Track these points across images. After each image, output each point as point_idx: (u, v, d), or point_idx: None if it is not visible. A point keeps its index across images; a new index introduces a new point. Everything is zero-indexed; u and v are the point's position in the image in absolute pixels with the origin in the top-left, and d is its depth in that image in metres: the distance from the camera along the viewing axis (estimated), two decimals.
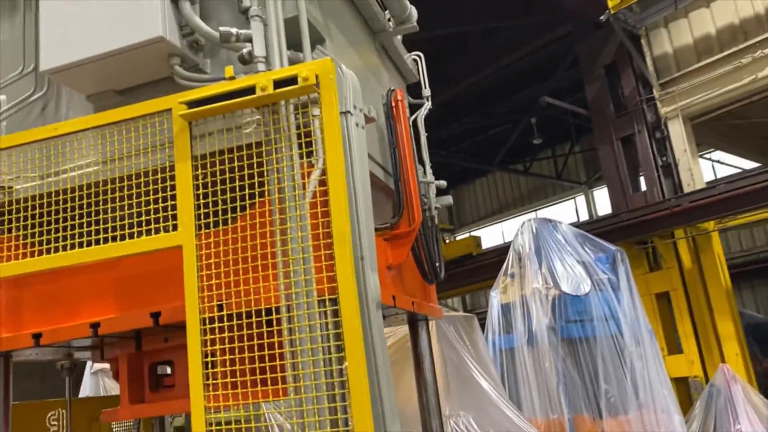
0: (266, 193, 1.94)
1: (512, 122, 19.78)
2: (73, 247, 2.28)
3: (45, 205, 2.38)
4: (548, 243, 9.39)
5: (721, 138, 14.31)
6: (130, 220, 2.28)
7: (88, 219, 2.33)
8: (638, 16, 12.34)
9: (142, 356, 2.55)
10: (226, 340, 1.87)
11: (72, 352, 2.98)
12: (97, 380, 10.52)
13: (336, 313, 1.83)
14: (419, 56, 3.62)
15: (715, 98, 11.41)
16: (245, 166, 1.98)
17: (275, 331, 1.87)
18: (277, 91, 1.81)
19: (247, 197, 2.00)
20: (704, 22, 11.86)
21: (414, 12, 3.25)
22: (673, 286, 11.59)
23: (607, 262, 9.32)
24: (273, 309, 1.89)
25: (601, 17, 11.72)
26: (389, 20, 3.25)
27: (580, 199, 24.26)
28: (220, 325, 1.87)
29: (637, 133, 12.28)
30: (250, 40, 2.10)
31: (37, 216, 2.37)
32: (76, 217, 2.31)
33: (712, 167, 19.80)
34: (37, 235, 2.36)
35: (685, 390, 11.01)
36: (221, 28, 2.15)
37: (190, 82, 2.29)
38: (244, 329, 1.89)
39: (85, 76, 2.37)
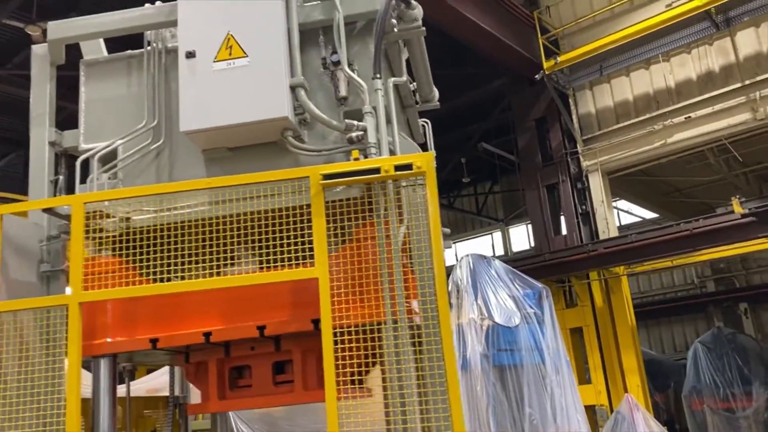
0: (368, 237, 2.66)
1: (443, 160, 20.98)
2: (183, 271, 2.88)
3: (159, 236, 2.96)
4: (483, 277, 10.28)
5: (628, 190, 15.96)
6: (231, 252, 2.92)
7: (197, 249, 2.94)
8: (568, 78, 13.78)
9: (226, 361, 3.15)
10: (346, 349, 2.53)
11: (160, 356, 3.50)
12: None
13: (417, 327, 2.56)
14: (426, 122, 4.39)
15: (630, 157, 12.90)
16: (352, 212, 2.70)
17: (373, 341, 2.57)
18: (397, 173, 2.53)
19: (346, 237, 2.71)
20: (623, 88, 13.38)
21: (437, 93, 4.04)
22: (585, 322, 12.85)
23: (534, 297, 10.34)
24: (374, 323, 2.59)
25: (536, 75, 13.00)
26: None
27: (497, 235, 25.77)
28: (341, 337, 2.54)
29: (561, 182, 13.58)
30: (364, 129, 2.82)
31: (151, 244, 2.95)
32: (185, 247, 2.92)
33: (617, 214, 21.73)
34: (150, 261, 2.93)
35: (591, 417, 12.19)
36: (346, 120, 2.86)
37: (298, 150, 2.97)
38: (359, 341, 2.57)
39: (211, 137, 2.99)
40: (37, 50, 3.41)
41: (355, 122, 2.84)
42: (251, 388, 3.14)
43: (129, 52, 3.40)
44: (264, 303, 2.92)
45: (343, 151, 3.01)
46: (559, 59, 12.68)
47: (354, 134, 2.83)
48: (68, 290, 3.15)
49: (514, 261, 14.72)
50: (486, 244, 25.74)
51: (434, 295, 2.46)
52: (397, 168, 2.51)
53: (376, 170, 2.54)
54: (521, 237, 24.77)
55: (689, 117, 12.19)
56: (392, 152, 2.87)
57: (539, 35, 12.92)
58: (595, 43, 12.52)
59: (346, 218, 2.76)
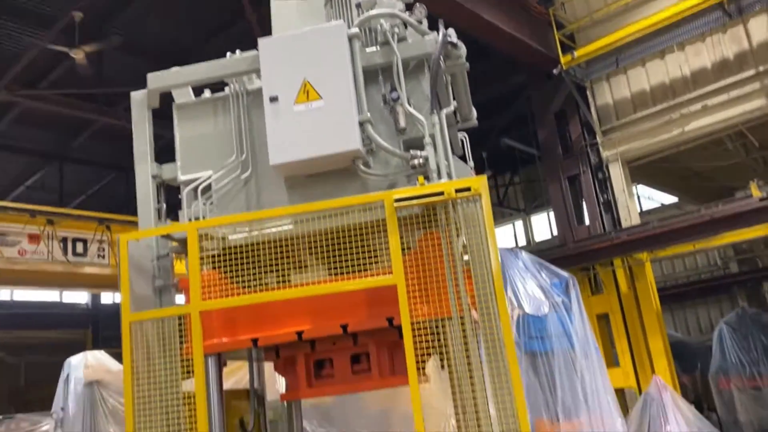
0: (431, 246, 3.20)
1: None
2: (272, 281, 3.45)
3: (251, 252, 3.52)
4: (512, 270, 10.73)
5: (647, 176, 16.31)
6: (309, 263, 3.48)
7: (282, 261, 3.50)
8: (585, 71, 14.19)
9: (311, 355, 3.71)
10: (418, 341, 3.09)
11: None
12: (92, 391, 11.20)
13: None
14: (465, 136, 4.89)
15: (649, 146, 13.28)
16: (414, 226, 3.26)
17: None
18: (457, 195, 3.07)
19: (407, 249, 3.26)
20: (640, 79, 13.74)
21: (475, 112, 4.55)
22: (611, 309, 13.28)
23: (561, 286, 10.77)
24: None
25: (554, 70, 13.41)
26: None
27: (518, 224, 26.20)
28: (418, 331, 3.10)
29: (582, 173, 13.99)
30: (425, 157, 3.35)
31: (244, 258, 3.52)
32: (275, 260, 3.49)
33: (638, 199, 22.06)
34: (247, 274, 3.50)
35: (621, 399, 12.65)
36: (411, 151, 3.41)
37: (367, 175, 3.53)
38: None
39: (293, 167, 3.55)
40: (136, 96, 3.98)
41: (419, 152, 3.39)
42: (333, 378, 3.70)
43: (215, 95, 3.97)
44: (344, 305, 3.48)
45: (403, 175, 3.57)
46: (576, 54, 13.07)
47: (416, 161, 3.37)
48: (177, 300, 3.74)
49: (539, 251, 15.13)
50: (508, 233, 26.18)
51: (494, 293, 2.99)
52: (457, 191, 3.05)
53: (440, 193, 3.08)
54: (543, 226, 25.19)
55: (705, 105, 12.53)
56: (449, 175, 3.41)
57: (555, 31, 13.32)
58: (610, 37, 12.88)
59: (409, 232, 3.31)
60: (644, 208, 20.96)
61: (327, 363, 3.76)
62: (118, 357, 11.88)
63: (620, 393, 12.65)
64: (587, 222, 13.92)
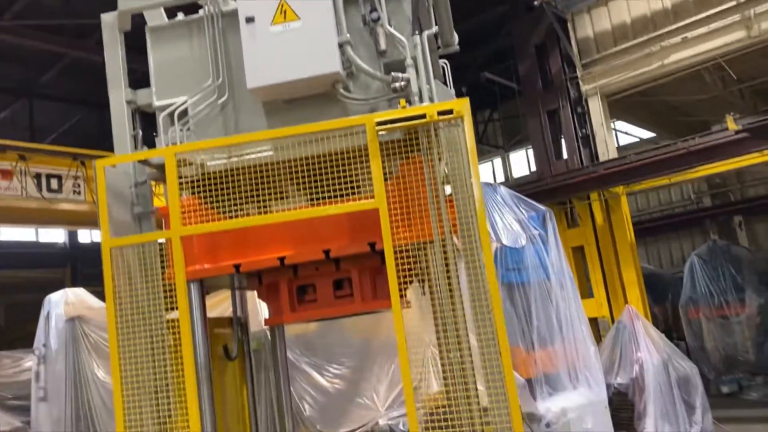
0: (413, 172, 3.19)
1: None
2: (252, 207, 3.43)
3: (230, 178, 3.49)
4: (490, 203, 10.80)
5: (626, 111, 16.35)
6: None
7: (261, 188, 3.48)
8: (566, 3, 13.95)
9: (294, 281, 3.73)
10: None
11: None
12: (74, 327, 11.22)
13: None
14: (446, 63, 4.82)
15: (629, 79, 13.24)
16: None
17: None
18: (439, 117, 3.03)
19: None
20: (621, 11, 13.57)
21: (456, 37, 4.46)
22: (587, 241, 13.52)
23: (538, 219, 10.91)
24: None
25: (535, 1, 13.19)
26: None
27: (497, 161, 26.27)
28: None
29: (561, 107, 13.95)
30: (407, 80, 3.29)
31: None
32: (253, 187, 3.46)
33: (616, 135, 22.15)
34: (223, 199, 3.47)
35: (594, 328, 13.03)
36: (392, 74, 3.34)
37: (347, 99, 3.46)
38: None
39: (271, 91, 3.47)
40: (107, 19, 3.83)
41: (400, 74, 3.33)
42: (316, 302, 3.75)
43: (189, 17, 3.84)
44: (326, 231, 3.48)
45: (385, 99, 3.52)
46: None
47: (398, 84, 3.32)
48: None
49: (518, 186, 15.22)
50: (487, 171, 26.26)
51: (475, 216, 3.01)
52: (440, 113, 3.02)
53: (422, 116, 3.05)
54: (521, 163, 25.28)
55: (686, 37, 12.46)
56: (431, 100, 3.36)
57: None
58: None
59: (390, 158, 3.29)
60: (621, 144, 21.08)
61: (310, 288, 3.80)
62: (98, 295, 11.91)
63: (593, 322, 13.01)
64: (565, 156, 13.98)
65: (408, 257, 3.24)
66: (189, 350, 3.22)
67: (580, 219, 13.78)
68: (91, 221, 11.40)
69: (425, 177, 3.11)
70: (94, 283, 13.50)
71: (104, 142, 4.36)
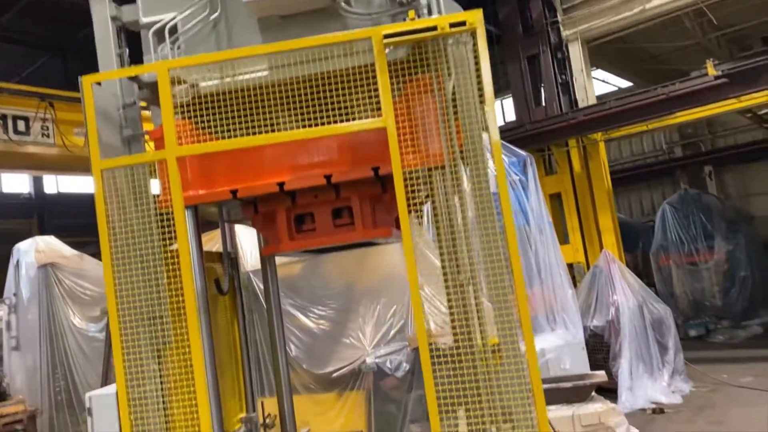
0: (421, 91, 3.05)
1: None
2: (248, 130, 3.26)
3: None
4: None
5: (605, 59, 16.28)
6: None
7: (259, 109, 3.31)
8: None
9: (291, 209, 3.59)
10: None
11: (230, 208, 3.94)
12: (47, 274, 10.97)
13: None
14: None
15: (610, 24, 13.11)
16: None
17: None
18: (451, 30, 2.87)
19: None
20: None
21: None
22: (564, 188, 13.60)
23: (518, 165, 10.89)
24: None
25: None
26: None
27: None
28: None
29: (542, 53, 13.80)
30: None
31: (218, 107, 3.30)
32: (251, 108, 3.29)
33: (594, 84, 22.12)
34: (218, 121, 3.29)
35: (570, 272, 13.22)
36: None
37: (349, 14, 3.27)
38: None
39: (266, 6, 3.26)
40: None
41: None
42: (315, 231, 3.62)
43: None
44: (326, 157, 3.34)
45: (388, 14, 3.33)
46: None
47: None
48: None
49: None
50: None
51: (481, 145, 2.91)
52: (452, 25, 2.86)
53: (433, 28, 2.89)
54: (499, 110, 25.16)
55: None
56: (439, 11, 3.19)
57: None
58: None
59: (394, 80, 3.13)
60: (599, 93, 21.05)
61: (308, 218, 3.67)
62: (69, 245, 11.61)
63: (570, 268, 13.19)
64: (544, 103, 13.90)
65: (414, 183, 3.12)
66: (189, 275, 3.08)
67: (558, 166, 13.81)
68: (62, 166, 11.03)
69: (435, 97, 2.97)
70: (63, 233, 13.16)
71: (71, 88, 4.07)
